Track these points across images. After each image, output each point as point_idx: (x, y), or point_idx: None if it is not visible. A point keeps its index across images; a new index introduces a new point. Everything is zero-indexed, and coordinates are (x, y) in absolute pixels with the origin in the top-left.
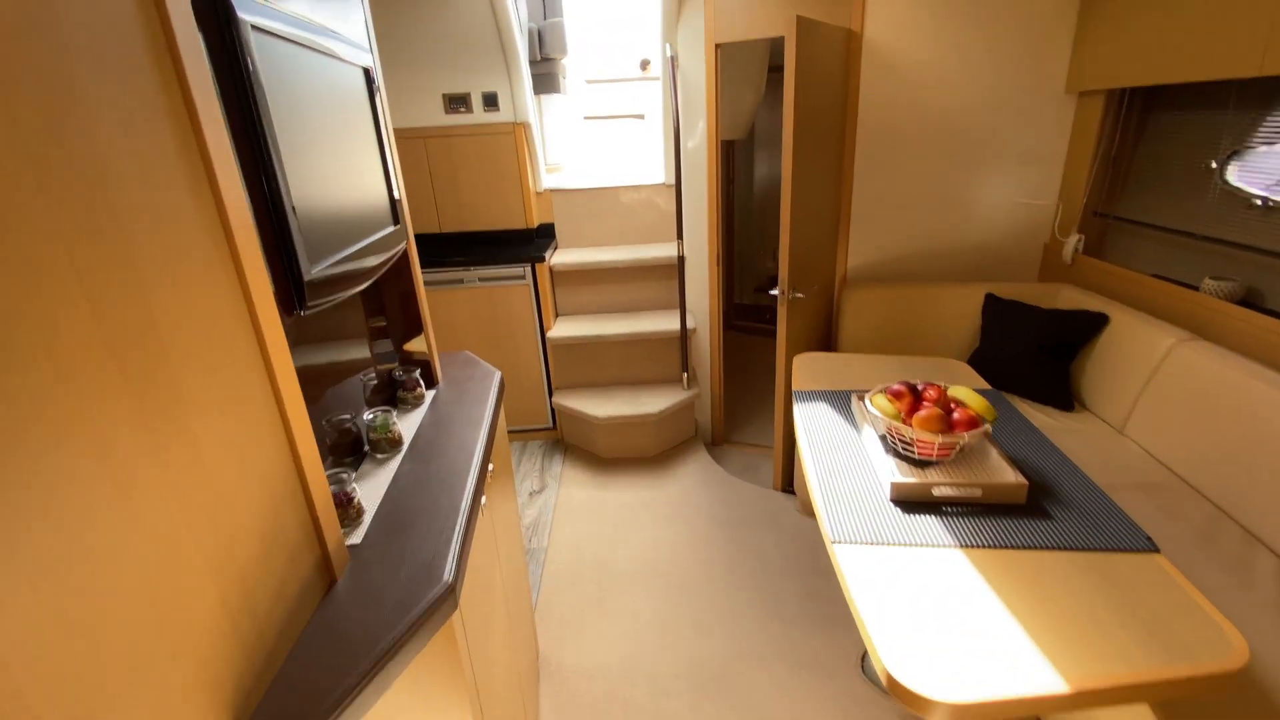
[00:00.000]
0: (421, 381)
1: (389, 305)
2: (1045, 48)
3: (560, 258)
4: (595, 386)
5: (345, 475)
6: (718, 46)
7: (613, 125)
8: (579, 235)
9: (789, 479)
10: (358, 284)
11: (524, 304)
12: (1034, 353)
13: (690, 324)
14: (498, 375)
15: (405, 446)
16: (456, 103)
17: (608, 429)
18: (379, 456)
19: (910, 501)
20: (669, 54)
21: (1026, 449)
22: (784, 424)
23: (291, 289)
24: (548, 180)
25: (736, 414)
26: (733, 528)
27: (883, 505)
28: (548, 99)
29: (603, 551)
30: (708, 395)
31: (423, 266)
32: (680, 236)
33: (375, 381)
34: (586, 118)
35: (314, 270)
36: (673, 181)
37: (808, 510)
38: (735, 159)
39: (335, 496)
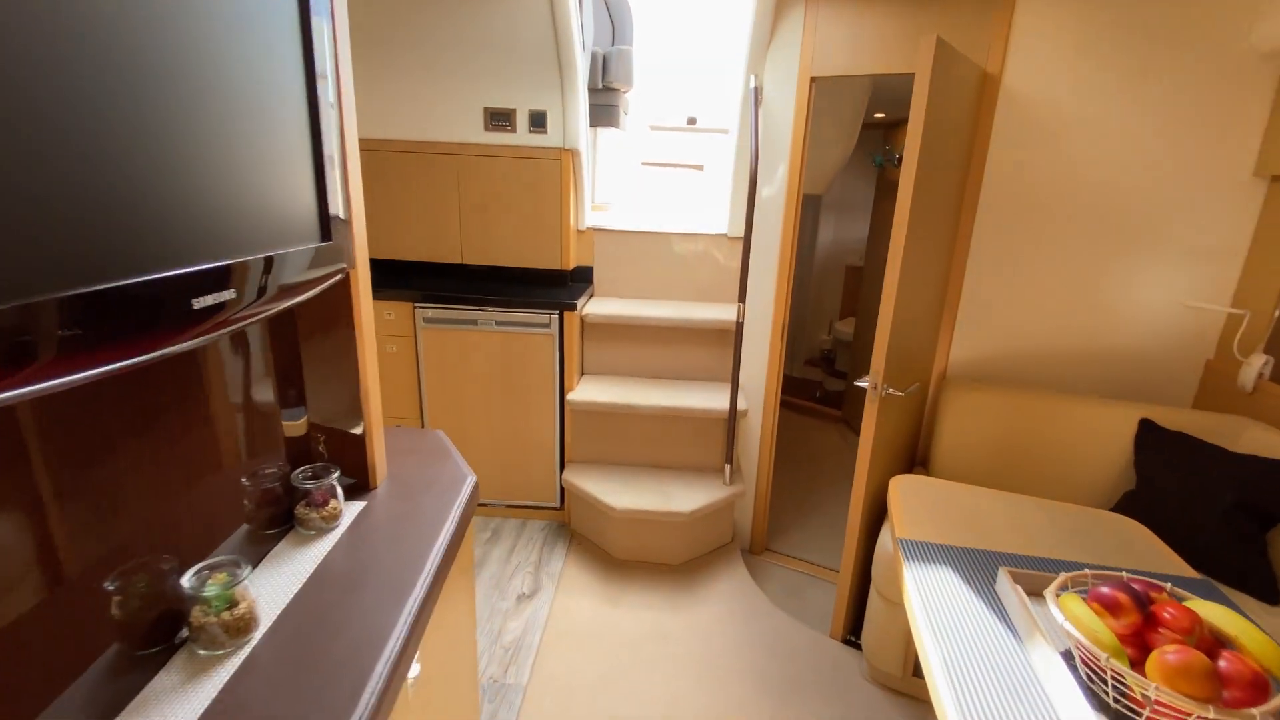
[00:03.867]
0: (339, 492)
1: (309, 363)
2: (1233, 120)
3: (595, 307)
4: (616, 466)
5: None
6: (813, 81)
7: (670, 175)
8: (620, 284)
9: (854, 626)
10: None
11: (545, 356)
12: (1222, 514)
13: (742, 405)
14: (469, 483)
15: (261, 630)
16: (499, 119)
17: (625, 524)
18: (202, 653)
19: None
20: (753, 84)
21: None
22: (857, 556)
23: None
24: (591, 218)
25: (781, 513)
26: (780, 693)
27: None
28: (604, 134)
29: (600, 705)
30: (751, 493)
31: (435, 301)
32: (742, 299)
33: (264, 488)
34: (644, 164)
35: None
36: (738, 233)
37: (881, 678)
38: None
39: None
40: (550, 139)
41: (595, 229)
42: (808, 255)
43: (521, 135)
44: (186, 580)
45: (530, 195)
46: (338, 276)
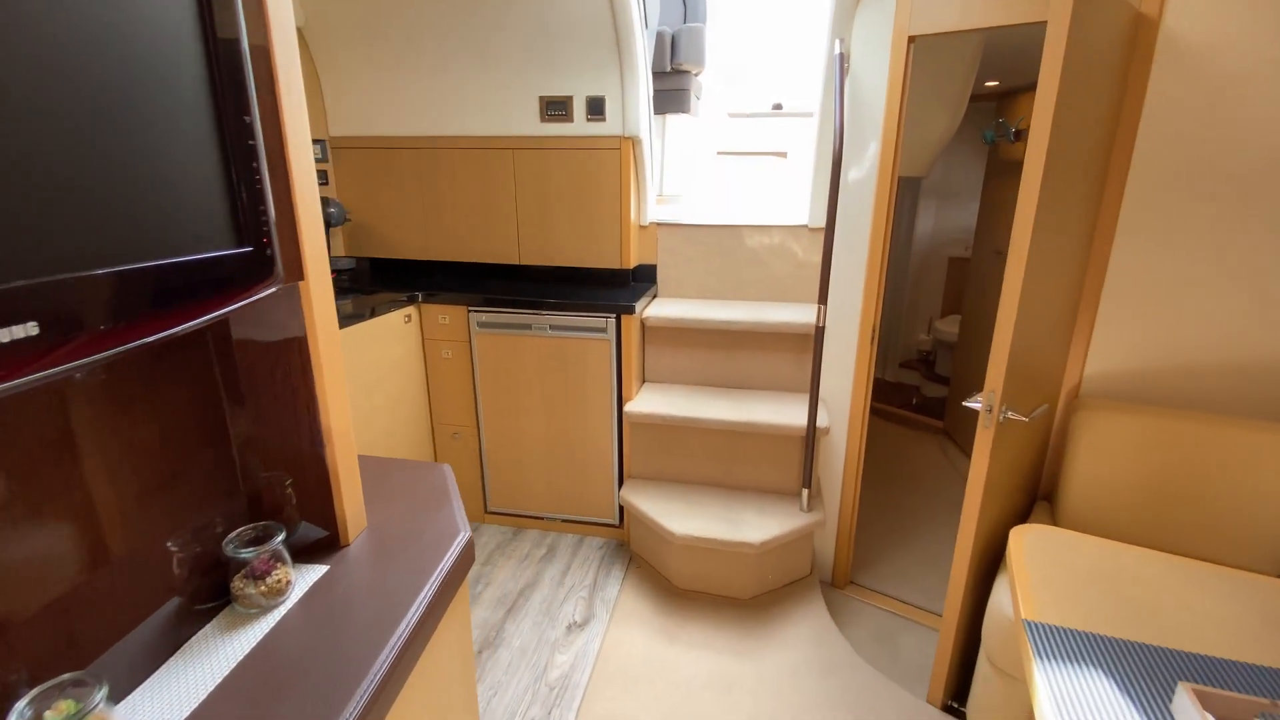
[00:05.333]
0: (286, 556)
1: (259, 397)
2: None
3: (657, 309)
4: (679, 484)
5: None
6: (911, 41)
7: (748, 164)
8: (685, 283)
9: (957, 691)
10: None
11: (601, 363)
12: None
13: (823, 420)
14: (460, 541)
15: None
16: (555, 108)
17: (688, 552)
18: None
19: None
20: (837, 50)
21: None
22: (963, 609)
23: None
24: (655, 212)
25: (869, 541)
26: None
27: None
28: (674, 120)
29: None
30: (833, 521)
31: (488, 305)
32: (824, 300)
33: (196, 552)
34: (720, 153)
35: None
36: (820, 223)
37: None
38: (896, 203)
39: None
40: (609, 126)
41: (659, 224)
42: (904, 246)
43: (579, 124)
44: (19, 712)
45: (588, 189)
46: (264, 292)
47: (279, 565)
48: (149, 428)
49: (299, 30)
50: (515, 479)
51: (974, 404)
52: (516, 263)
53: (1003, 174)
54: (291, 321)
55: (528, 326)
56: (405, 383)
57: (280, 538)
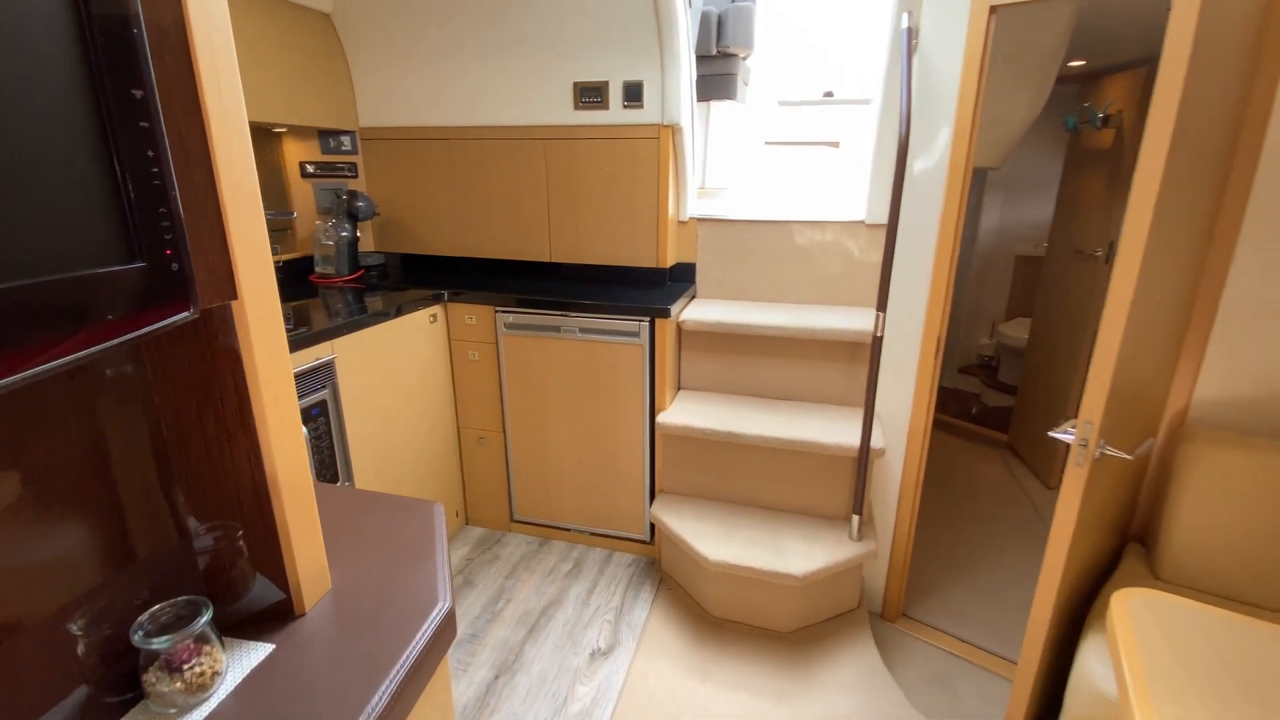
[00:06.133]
0: (213, 638)
1: (189, 441)
2: None
3: (694, 311)
4: (715, 503)
5: None
6: (993, 11)
7: (799, 155)
8: (727, 284)
9: None
10: None
11: (633, 370)
12: None
13: (878, 441)
14: (438, 613)
15: None
16: (589, 95)
17: (724, 579)
18: None
19: None
20: (904, 24)
21: None
22: (1041, 668)
23: None
24: (695, 206)
25: (923, 567)
26: None
27: None
28: (718, 108)
29: None
30: (886, 549)
31: (516, 305)
32: (883, 306)
33: (105, 635)
34: (768, 143)
35: None
36: (879, 219)
37: None
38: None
39: None
40: (647, 114)
41: (700, 219)
42: (967, 243)
43: (615, 111)
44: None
45: (623, 182)
46: (168, 320)
47: (205, 652)
48: (30, 481)
49: (327, 17)
50: (542, 487)
51: (1064, 435)
52: (547, 260)
53: (1086, 165)
54: (223, 351)
55: (556, 329)
56: (431, 384)
57: (205, 618)
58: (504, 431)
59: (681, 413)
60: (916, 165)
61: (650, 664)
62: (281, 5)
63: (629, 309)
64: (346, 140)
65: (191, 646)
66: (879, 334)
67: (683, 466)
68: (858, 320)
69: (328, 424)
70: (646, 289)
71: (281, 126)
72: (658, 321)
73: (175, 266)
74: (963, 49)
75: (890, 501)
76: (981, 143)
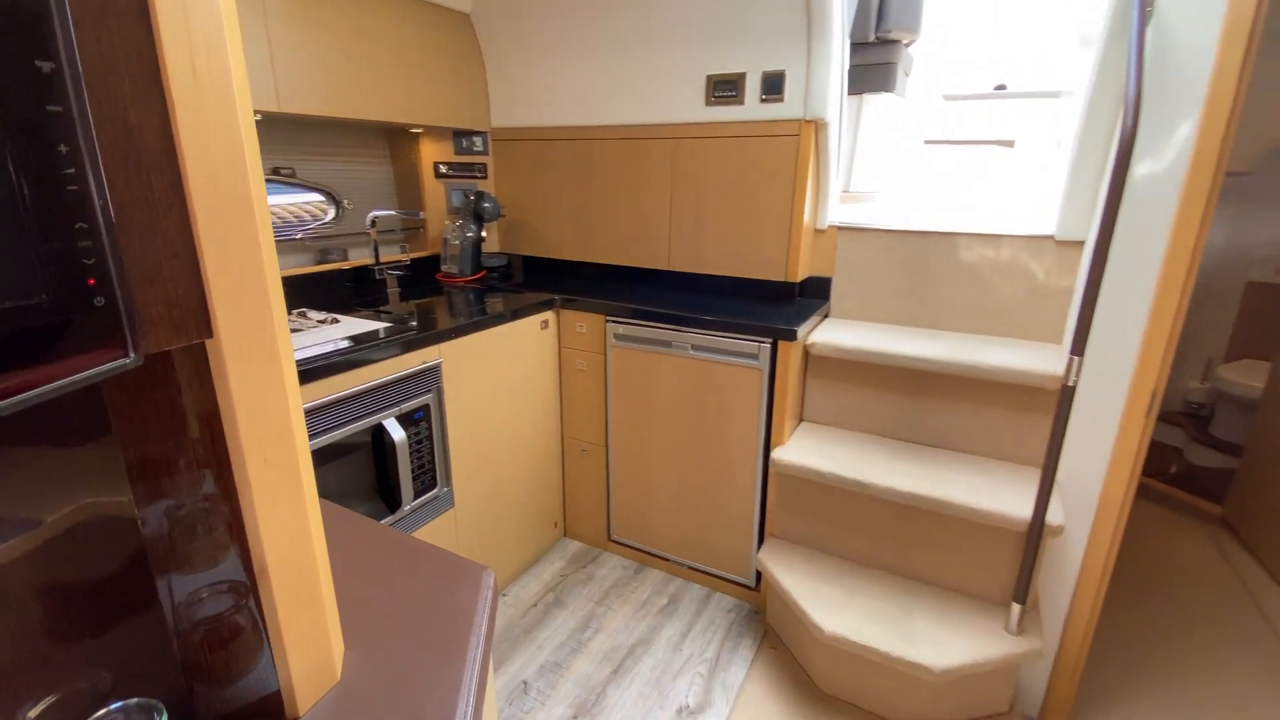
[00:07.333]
0: None
1: (159, 517)
2: None
3: (826, 334)
4: (835, 558)
5: None
6: None
7: (965, 155)
8: (869, 303)
9: None
10: None
11: (749, 396)
12: None
13: (1056, 515)
14: None
15: None
16: (724, 88)
17: (838, 653)
18: None
19: None
20: None
21: None
22: None
23: None
24: (837, 213)
25: (1099, 664)
26: None
27: None
28: (872, 102)
29: None
30: (1053, 645)
31: (627, 316)
32: (1080, 348)
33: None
34: (928, 141)
35: None
36: (1075, 235)
37: None
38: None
39: None
40: (788, 108)
41: (841, 227)
42: None
43: (750, 106)
44: None
45: (754, 184)
46: (85, 372)
47: None
48: None
49: (466, 16)
50: (642, 510)
51: None
52: (665, 268)
53: None
54: (193, 404)
55: (668, 344)
56: (538, 391)
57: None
58: (606, 446)
59: (802, 450)
60: (1139, 169)
61: None
62: (422, 6)
63: (750, 328)
64: (479, 141)
65: None
66: (1070, 382)
67: (799, 511)
68: (1037, 359)
69: (429, 428)
70: (772, 305)
71: (418, 127)
72: (781, 344)
73: (100, 301)
74: (1221, 19)
75: (1065, 589)
76: (1243, 141)
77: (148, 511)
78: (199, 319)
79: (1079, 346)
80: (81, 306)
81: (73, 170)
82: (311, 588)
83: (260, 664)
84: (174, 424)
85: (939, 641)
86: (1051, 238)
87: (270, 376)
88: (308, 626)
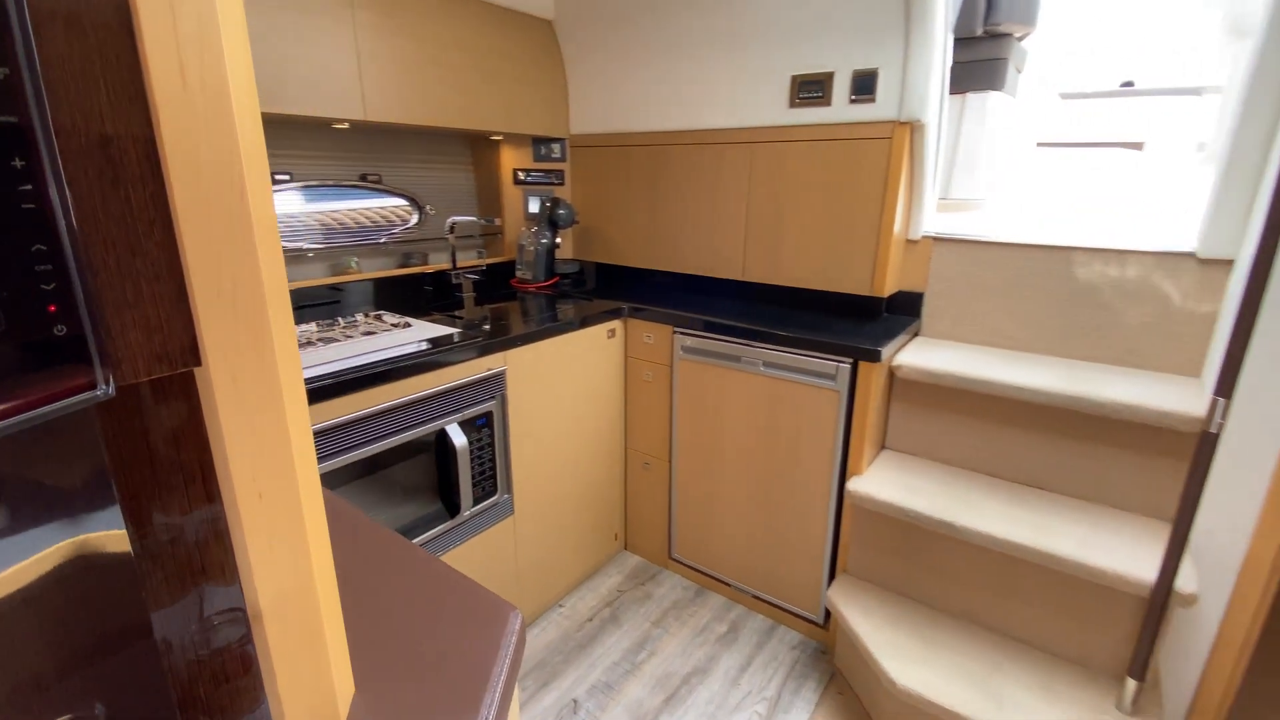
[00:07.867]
0: None
1: (151, 555)
2: None
3: (915, 355)
4: (913, 603)
5: None
6: None
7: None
8: (965, 322)
9: None
10: None
11: (824, 419)
12: None
13: (1188, 581)
14: None
15: None
16: (809, 89)
17: (914, 714)
18: None
19: None
20: None
21: None
22: None
23: None
24: (932, 222)
25: None
26: None
27: None
28: (976, 101)
29: None
30: None
31: (695, 329)
32: (1227, 389)
33: None
34: (1040, 144)
35: None
36: (1222, 253)
37: None
38: None
39: None
40: (880, 109)
41: (937, 238)
42: None
43: (838, 108)
44: None
45: (840, 190)
46: (60, 403)
47: None
48: None
49: (549, 24)
50: (704, 530)
51: None
52: (739, 278)
53: None
54: (181, 436)
55: (737, 359)
56: (602, 401)
57: None
58: (670, 461)
59: (881, 482)
60: None
61: None
62: (506, 14)
63: (827, 345)
64: (556, 148)
65: None
66: (1212, 428)
67: (875, 548)
68: (1168, 395)
69: (491, 435)
70: (855, 320)
71: (499, 134)
72: (862, 365)
73: (62, 330)
74: None
75: (1193, 666)
76: None
77: (140, 545)
78: (185, 346)
79: (1225, 387)
80: (41, 334)
81: (30, 187)
82: (313, 629)
83: (260, 706)
84: (163, 457)
85: (1031, 710)
86: (1193, 255)
87: (268, 407)
88: (309, 669)
